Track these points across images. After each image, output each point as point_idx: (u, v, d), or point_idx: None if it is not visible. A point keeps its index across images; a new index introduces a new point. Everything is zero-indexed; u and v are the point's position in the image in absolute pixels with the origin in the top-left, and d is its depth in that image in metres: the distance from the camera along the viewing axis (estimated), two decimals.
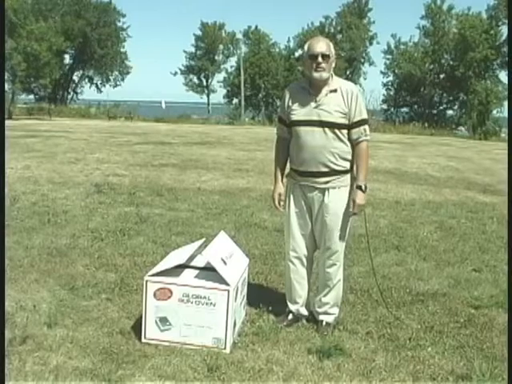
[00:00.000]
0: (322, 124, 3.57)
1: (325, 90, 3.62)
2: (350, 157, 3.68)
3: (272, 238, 6.14)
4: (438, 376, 3.21)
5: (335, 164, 3.63)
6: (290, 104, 3.70)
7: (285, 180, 3.84)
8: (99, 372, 3.05)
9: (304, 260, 3.84)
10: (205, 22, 55.81)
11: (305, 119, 3.63)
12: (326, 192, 3.66)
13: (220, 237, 3.96)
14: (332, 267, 3.78)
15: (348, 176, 3.70)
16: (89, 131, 23.06)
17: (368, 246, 4.48)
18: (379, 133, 34.32)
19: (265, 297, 4.20)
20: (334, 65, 3.64)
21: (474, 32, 44.70)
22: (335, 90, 3.61)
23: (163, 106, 49.82)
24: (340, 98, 3.60)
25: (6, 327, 3.43)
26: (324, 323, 3.82)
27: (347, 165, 3.68)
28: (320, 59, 3.54)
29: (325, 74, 3.57)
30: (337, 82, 3.67)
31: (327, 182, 3.65)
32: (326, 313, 3.86)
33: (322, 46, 3.58)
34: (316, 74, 3.57)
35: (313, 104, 3.62)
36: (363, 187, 3.64)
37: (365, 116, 3.66)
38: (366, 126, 3.67)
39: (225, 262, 3.56)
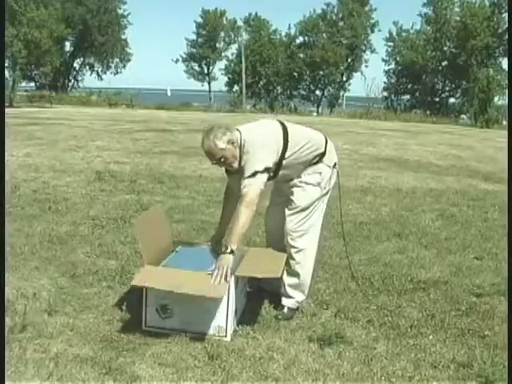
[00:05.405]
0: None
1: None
2: (302, 166, 3.81)
3: None
4: (440, 364, 3.20)
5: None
6: None
7: None
8: (99, 359, 3.05)
9: None
10: (206, 8, 55.57)
11: None
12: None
13: None
14: (291, 249, 3.81)
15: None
16: (90, 119, 22.98)
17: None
18: (380, 120, 34.27)
19: None
20: (234, 143, 3.59)
21: (475, 20, 44.46)
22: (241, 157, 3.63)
23: (168, 93, 49.63)
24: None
25: (7, 315, 3.43)
26: (283, 307, 3.83)
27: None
28: (220, 162, 3.62)
29: (234, 165, 3.64)
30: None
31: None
32: (286, 295, 3.86)
33: (209, 158, 3.62)
34: (230, 169, 3.70)
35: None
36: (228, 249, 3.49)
37: (248, 173, 3.56)
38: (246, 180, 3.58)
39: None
